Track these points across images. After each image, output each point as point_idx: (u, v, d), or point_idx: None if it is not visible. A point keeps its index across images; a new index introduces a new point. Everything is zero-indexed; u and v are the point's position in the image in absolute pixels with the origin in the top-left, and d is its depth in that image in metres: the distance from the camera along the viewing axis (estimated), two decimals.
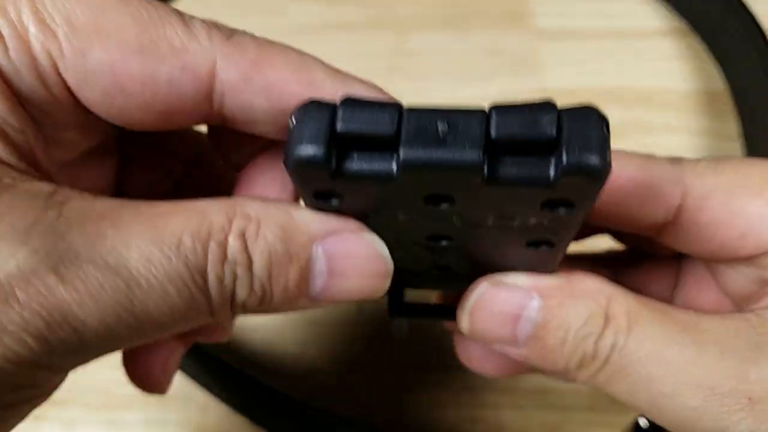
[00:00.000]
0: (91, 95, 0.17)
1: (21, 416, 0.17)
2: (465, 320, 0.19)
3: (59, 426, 0.32)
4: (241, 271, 0.16)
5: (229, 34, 0.17)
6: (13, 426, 0.17)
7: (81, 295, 0.15)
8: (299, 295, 0.17)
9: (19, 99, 0.17)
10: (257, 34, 0.18)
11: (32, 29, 0.16)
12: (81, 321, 0.15)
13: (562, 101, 0.15)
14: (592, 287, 0.18)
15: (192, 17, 0.17)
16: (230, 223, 0.16)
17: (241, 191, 0.20)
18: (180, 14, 0.17)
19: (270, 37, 0.18)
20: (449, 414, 0.32)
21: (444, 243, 0.18)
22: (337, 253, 0.17)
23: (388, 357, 0.34)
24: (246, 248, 0.16)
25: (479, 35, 0.45)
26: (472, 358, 0.22)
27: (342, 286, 0.17)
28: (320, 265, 0.17)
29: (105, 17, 0.16)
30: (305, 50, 0.18)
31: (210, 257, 0.15)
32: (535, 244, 0.18)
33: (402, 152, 0.15)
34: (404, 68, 0.43)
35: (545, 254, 0.18)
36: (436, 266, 0.20)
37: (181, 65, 0.17)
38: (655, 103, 0.41)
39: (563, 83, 0.42)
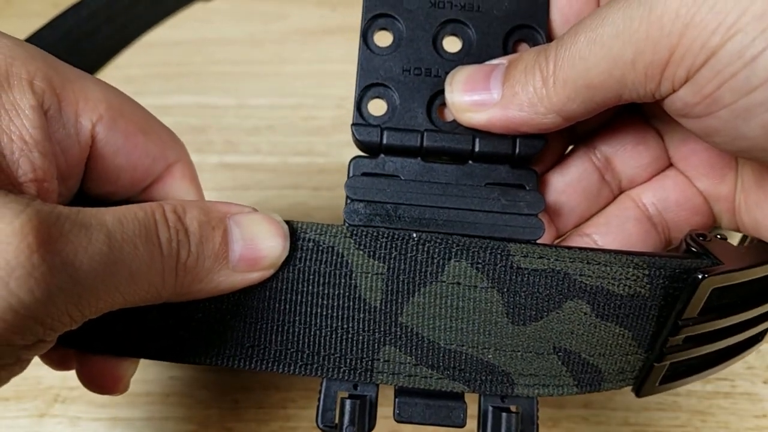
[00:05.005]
0: None
1: None
2: (448, 89, 0.25)
3: (64, 423, 0.33)
4: (181, 236, 0.21)
5: None
6: None
7: (74, 246, 0.18)
8: (224, 259, 0.22)
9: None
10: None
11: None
12: (75, 266, 0.18)
13: None
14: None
15: None
16: (162, 206, 0.21)
17: None
18: None
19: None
20: None
21: None
22: (243, 221, 0.23)
23: None
24: (180, 219, 0.21)
25: None
26: None
27: (255, 250, 0.22)
28: (236, 233, 0.22)
29: None
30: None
31: (158, 224, 0.21)
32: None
33: None
34: None
35: None
36: None
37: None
38: None
39: None
